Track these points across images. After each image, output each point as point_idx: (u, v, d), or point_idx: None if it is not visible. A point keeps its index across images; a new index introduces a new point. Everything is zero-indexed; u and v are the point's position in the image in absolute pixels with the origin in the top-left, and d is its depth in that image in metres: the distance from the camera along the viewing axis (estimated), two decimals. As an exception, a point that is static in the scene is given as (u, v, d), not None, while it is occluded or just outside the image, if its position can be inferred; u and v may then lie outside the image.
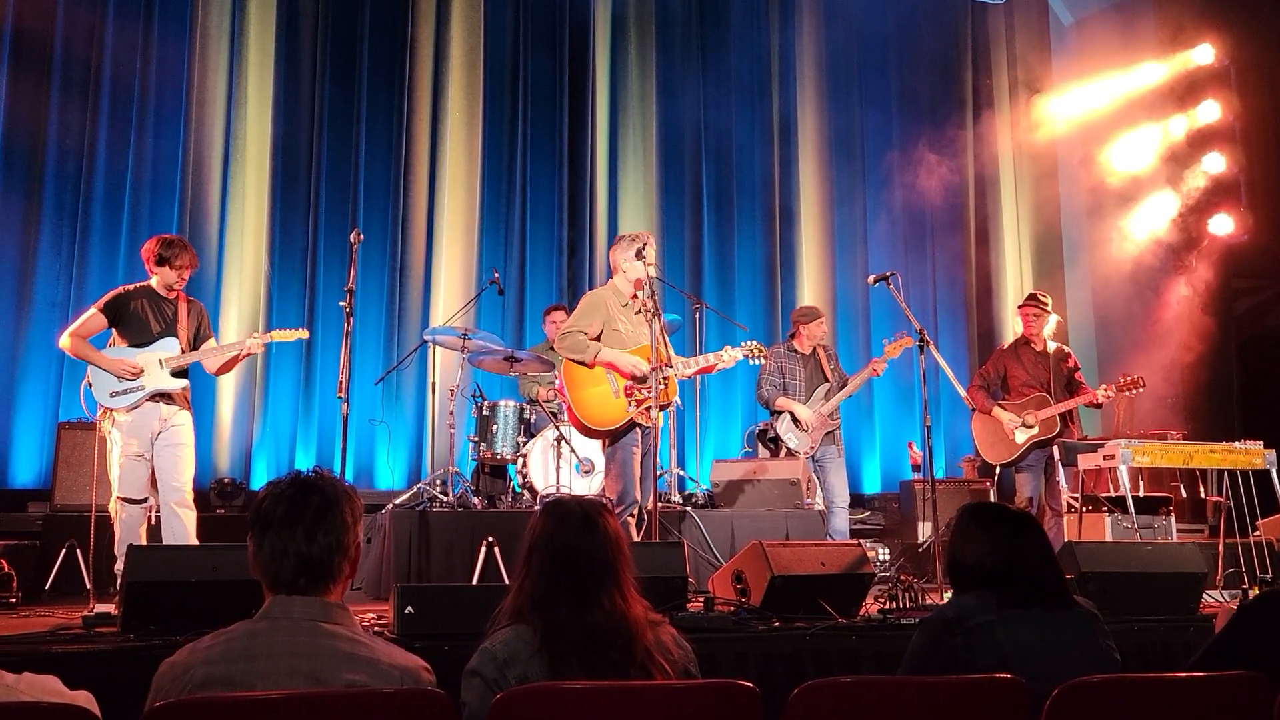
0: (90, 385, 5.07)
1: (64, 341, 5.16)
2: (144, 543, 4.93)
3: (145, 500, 5.11)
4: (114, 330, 5.21)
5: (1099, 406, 6.74)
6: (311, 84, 8.60)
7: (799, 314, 7.20)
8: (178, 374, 5.20)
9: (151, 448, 5.10)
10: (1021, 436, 6.62)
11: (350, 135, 8.67)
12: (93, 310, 5.21)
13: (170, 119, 8.10)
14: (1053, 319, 6.91)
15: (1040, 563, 2.64)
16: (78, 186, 7.76)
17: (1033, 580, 2.60)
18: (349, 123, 8.68)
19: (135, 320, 5.19)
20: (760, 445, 7.36)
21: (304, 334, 5.66)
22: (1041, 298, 6.95)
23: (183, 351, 5.21)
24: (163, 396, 5.13)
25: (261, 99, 8.42)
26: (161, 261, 5.21)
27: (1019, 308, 7.07)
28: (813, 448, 6.76)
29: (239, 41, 8.37)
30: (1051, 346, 6.88)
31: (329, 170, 8.57)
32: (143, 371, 5.08)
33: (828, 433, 6.83)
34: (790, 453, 6.77)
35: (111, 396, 5.05)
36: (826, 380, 6.90)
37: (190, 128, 8.12)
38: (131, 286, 5.31)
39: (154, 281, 5.27)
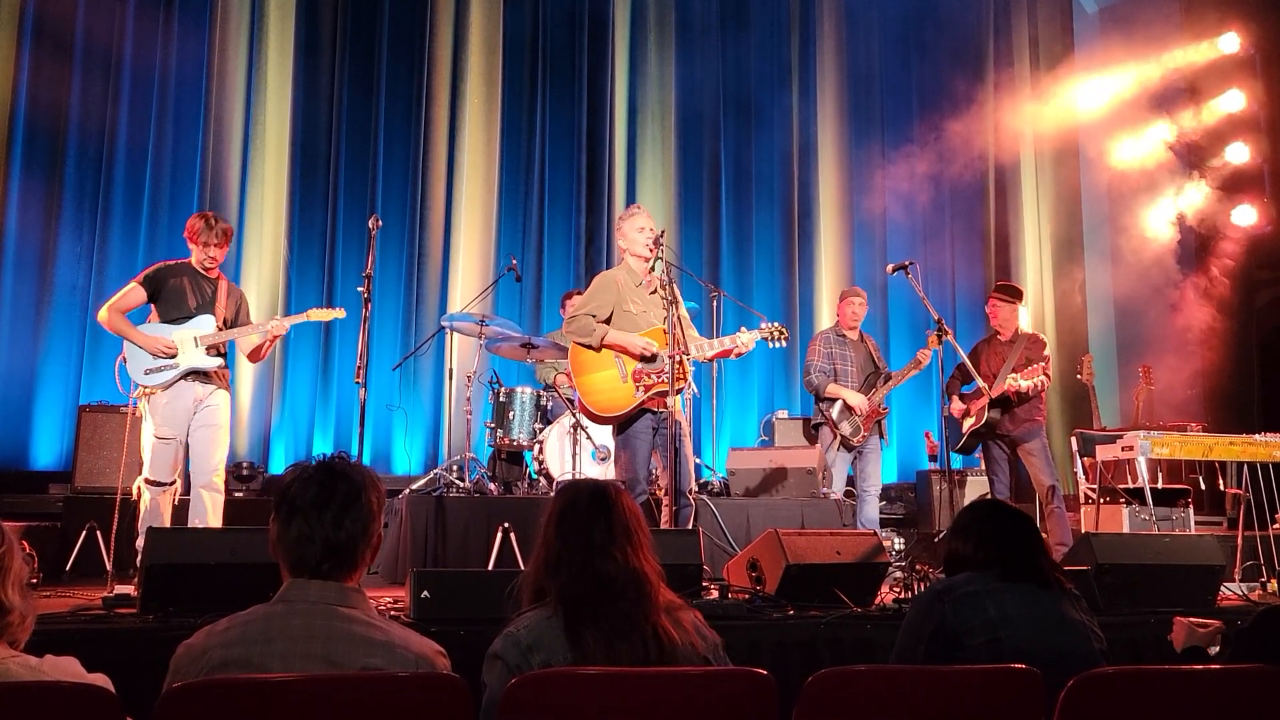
0: (125, 362, 4.98)
1: (102, 315, 5.06)
2: (168, 525, 4.89)
3: (172, 483, 5.03)
4: (153, 305, 5.13)
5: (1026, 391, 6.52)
6: (331, 69, 8.62)
7: (842, 291, 7.12)
8: (213, 352, 5.10)
9: (186, 429, 5.03)
10: (966, 426, 6.57)
11: (369, 121, 8.69)
12: (132, 284, 5.13)
13: (190, 104, 8.14)
14: (1022, 310, 6.74)
15: (1030, 551, 2.77)
16: (98, 171, 7.80)
17: (1022, 562, 2.73)
18: (368, 108, 8.70)
19: (174, 295, 5.10)
20: (802, 433, 7.29)
21: (340, 313, 5.51)
22: (1005, 289, 6.81)
23: (218, 330, 5.13)
24: (198, 375, 5.04)
25: (281, 84, 8.45)
26: (193, 237, 5.16)
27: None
28: (865, 435, 6.56)
29: (259, 27, 8.40)
30: (1027, 333, 6.72)
31: (348, 156, 8.59)
32: (177, 350, 4.99)
33: (876, 420, 6.66)
34: (844, 440, 6.57)
35: (146, 374, 4.96)
36: (876, 367, 6.75)
37: (210, 113, 8.16)
38: (173, 261, 5.25)
39: (193, 259, 5.20)
